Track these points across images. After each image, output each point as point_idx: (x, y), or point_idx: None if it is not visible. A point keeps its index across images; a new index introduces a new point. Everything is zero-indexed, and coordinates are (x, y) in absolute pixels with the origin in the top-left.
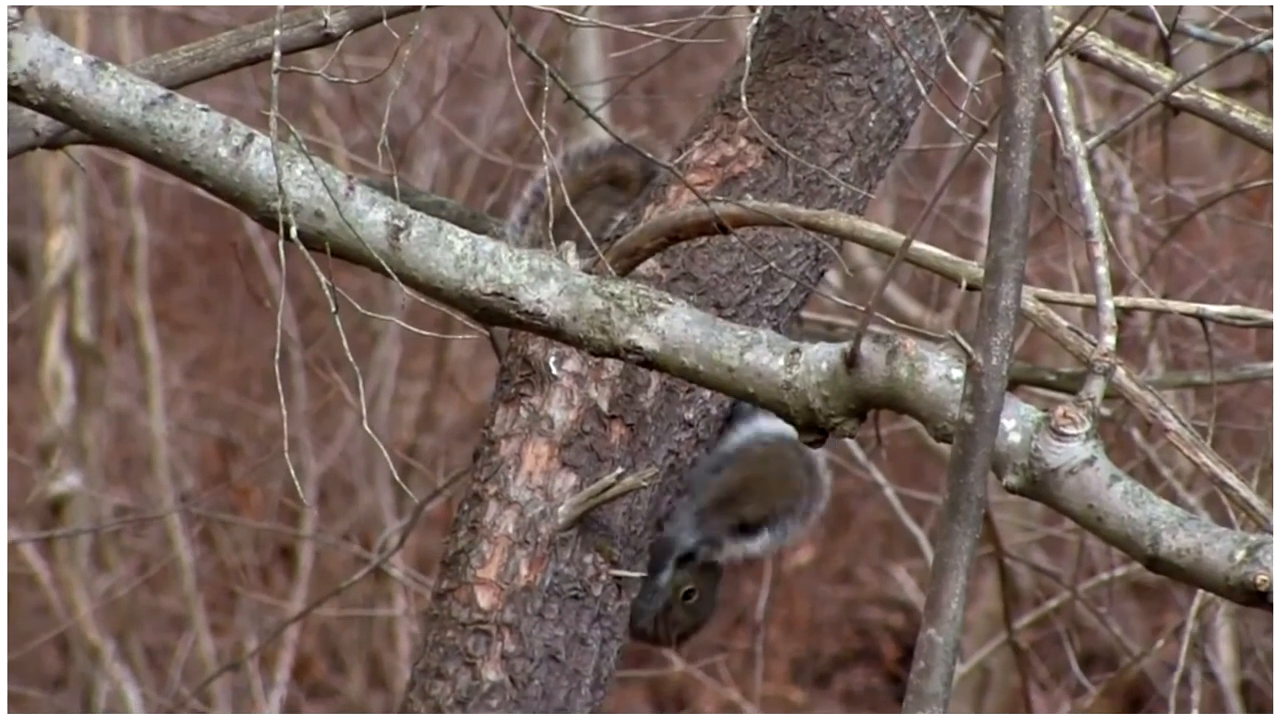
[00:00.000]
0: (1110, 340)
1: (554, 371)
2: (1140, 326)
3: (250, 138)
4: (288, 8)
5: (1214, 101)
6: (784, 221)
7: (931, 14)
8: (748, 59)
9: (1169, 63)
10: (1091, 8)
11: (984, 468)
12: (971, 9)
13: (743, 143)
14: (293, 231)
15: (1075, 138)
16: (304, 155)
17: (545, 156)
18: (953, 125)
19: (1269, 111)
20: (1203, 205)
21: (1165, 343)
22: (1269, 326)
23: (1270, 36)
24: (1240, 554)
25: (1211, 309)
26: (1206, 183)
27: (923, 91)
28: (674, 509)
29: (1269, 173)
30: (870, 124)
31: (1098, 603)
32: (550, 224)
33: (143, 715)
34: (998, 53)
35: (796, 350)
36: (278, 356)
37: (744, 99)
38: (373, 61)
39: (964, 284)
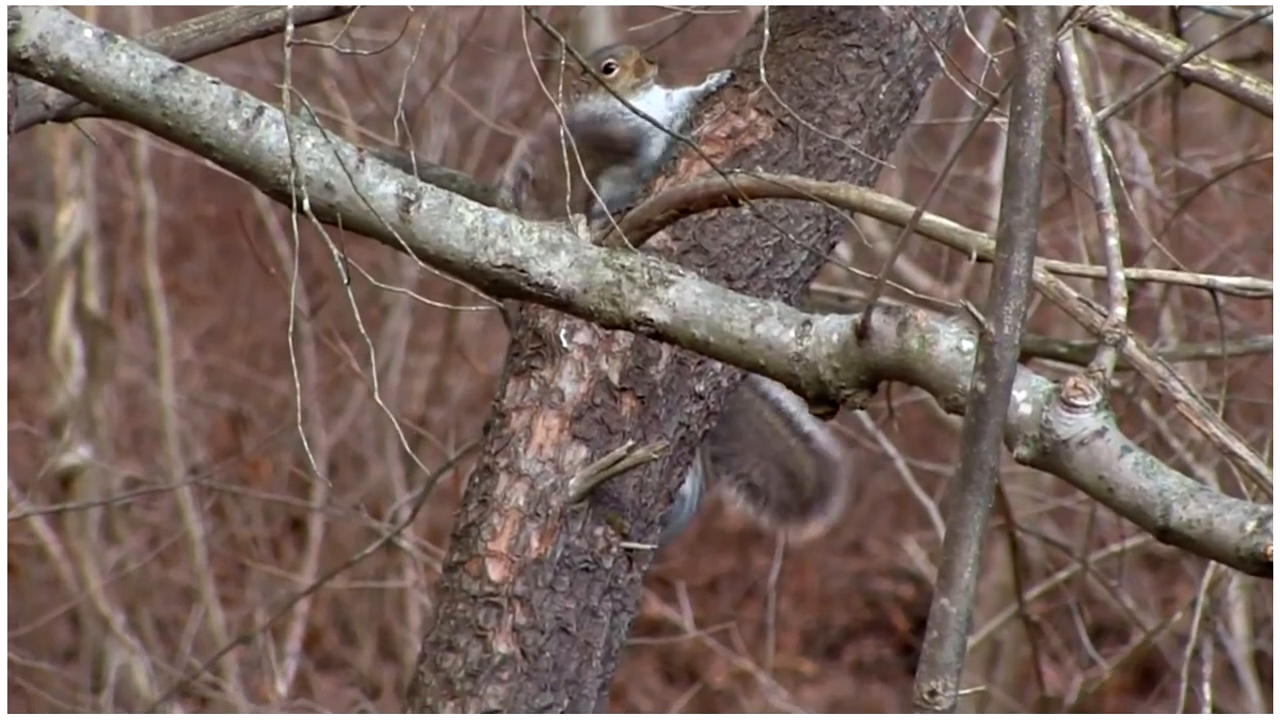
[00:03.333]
0: (1121, 312)
1: (565, 344)
2: (1153, 298)
3: (260, 110)
4: None
5: (1224, 73)
6: (795, 193)
7: None
8: (765, 31)
9: (1180, 34)
10: None
11: (997, 437)
12: None
13: (753, 115)
14: (304, 204)
15: (1086, 109)
16: (315, 128)
17: (562, 132)
18: (967, 93)
19: None
20: (1215, 177)
21: (1178, 315)
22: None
23: None
24: (1251, 525)
25: (1222, 280)
26: (1218, 154)
27: (940, 61)
28: None
29: None
30: (881, 96)
31: (1109, 574)
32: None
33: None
34: (1009, 21)
35: (807, 322)
36: (291, 329)
37: (762, 71)
38: (382, 35)
39: (974, 255)
